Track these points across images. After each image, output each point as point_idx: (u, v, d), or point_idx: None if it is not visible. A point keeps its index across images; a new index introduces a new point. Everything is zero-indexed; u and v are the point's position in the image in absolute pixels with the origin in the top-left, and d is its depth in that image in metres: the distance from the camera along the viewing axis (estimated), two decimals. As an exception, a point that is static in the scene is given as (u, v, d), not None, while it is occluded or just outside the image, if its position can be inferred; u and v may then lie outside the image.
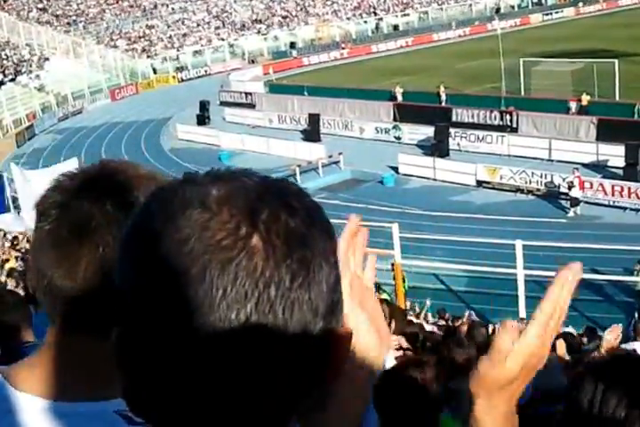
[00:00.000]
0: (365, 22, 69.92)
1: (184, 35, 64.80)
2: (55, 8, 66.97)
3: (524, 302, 13.54)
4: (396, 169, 26.53)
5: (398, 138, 30.57)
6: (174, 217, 0.65)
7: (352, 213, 0.95)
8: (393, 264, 15.32)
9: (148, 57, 58.79)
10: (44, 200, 1.09)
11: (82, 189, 1.08)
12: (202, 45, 62.71)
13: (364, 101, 34.84)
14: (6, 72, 50.74)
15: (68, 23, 63.92)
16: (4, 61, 52.86)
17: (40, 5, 66.64)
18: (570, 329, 9.39)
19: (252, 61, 59.93)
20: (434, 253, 17.41)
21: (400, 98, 34.95)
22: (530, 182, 23.35)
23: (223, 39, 64.15)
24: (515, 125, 28.68)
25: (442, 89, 34.30)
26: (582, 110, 28.86)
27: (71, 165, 11.66)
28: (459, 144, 27.91)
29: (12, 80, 49.72)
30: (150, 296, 0.65)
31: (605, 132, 25.57)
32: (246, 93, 41.86)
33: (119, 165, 1.14)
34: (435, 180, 25.40)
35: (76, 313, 1.07)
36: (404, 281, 15.37)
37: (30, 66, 53.11)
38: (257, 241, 0.64)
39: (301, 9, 72.33)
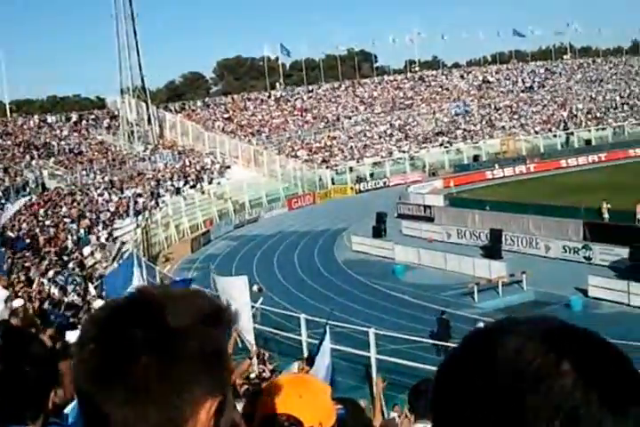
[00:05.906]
0: (555, 136, 69.79)
1: (365, 146, 67.39)
2: (240, 118, 72.14)
3: None
4: (584, 292, 25.42)
5: (588, 258, 29.56)
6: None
7: None
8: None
9: (327, 167, 61.36)
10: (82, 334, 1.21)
11: (112, 321, 1.17)
12: (382, 157, 64.83)
13: (551, 218, 34.33)
14: (188, 179, 54.27)
15: (252, 133, 68.46)
16: (187, 168, 56.62)
17: (226, 115, 72.07)
18: None
19: (433, 174, 61.10)
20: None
21: (607, 215, 34.56)
22: None
23: (404, 151, 66.03)
24: None
25: (640, 208, 32.95)
26: None
27: (240, 282, 12.18)
28: (658, 267, 26.51)
29: (193, 187, 52.99)
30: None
31: None
32: (425, 206, 42.39)
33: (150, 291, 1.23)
34: (629, 305, 23.96)
35: None
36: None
37: (212, 173, 56.70)
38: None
39: (486, 122, 73.50)
